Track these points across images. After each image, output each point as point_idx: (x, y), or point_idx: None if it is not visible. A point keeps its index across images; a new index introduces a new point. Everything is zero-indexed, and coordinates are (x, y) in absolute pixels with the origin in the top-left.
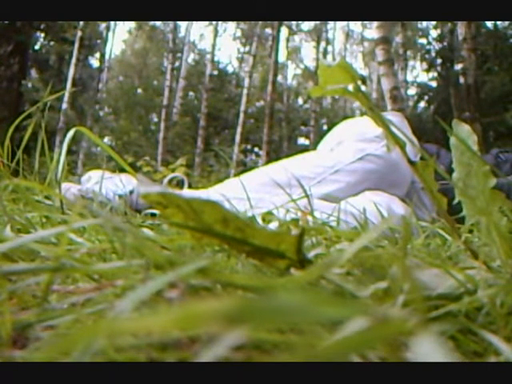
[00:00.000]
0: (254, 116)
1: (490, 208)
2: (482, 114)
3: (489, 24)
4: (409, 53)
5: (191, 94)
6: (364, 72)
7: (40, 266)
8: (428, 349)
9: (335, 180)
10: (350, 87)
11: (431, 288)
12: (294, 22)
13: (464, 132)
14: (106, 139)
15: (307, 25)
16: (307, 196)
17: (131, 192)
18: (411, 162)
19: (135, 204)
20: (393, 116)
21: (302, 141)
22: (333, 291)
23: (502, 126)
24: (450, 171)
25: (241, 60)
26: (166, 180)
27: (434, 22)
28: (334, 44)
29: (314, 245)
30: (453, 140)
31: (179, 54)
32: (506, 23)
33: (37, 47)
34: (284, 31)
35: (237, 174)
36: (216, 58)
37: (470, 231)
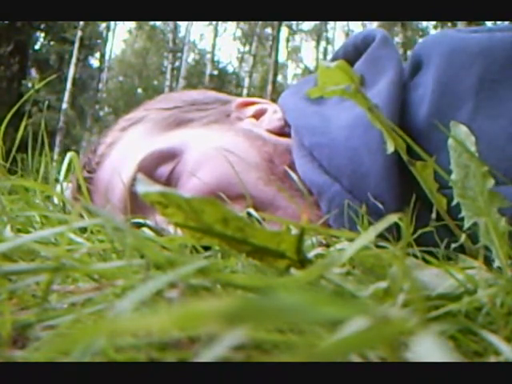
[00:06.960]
0: None
1: (489, 209)
2: None
3: (489, 24)
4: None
5: None
6: None
7: (40, 265)
8: (428, 349)
9: None
10: (349, 88)
11: (431, 288)
12: (294, 22)
13: (462, 133)
14: None
15: (307, 25)
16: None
17: None
18: (411, 162)
19: None
20: None
21: None
22: (333, 291)
23: None
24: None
25: (241, 60)
26: None
27: (433, 22)
28: (334, 44)
29: (314, 245)
30: (450, 141)
31: (179, 54)
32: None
33: (37, 47)
34: (284, 31)
35: None
36: (216, 58)
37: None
